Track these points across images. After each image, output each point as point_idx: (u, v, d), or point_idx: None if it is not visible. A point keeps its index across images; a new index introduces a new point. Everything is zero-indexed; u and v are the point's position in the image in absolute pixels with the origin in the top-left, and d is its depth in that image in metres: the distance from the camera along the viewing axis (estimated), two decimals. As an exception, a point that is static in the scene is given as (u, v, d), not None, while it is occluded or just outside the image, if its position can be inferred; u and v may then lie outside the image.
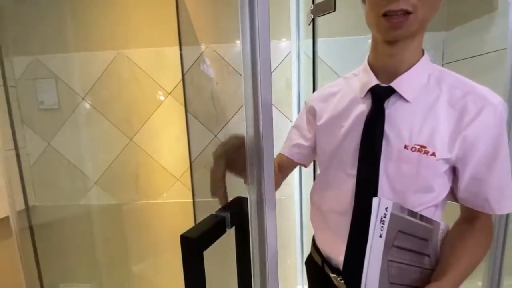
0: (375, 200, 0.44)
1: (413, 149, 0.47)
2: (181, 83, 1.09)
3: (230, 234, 0.40)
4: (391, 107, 0.50)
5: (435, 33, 1.06)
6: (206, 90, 1.10)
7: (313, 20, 0.93)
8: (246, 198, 0.36)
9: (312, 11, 0.93)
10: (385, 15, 0.44)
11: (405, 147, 0.47)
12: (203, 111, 1.11)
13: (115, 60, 1.08)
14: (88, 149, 1.12)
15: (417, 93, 0.49)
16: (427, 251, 0.49)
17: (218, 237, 0.33)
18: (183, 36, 1.08)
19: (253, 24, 0.24)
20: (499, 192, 0.47)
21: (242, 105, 1.12)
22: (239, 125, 1.13)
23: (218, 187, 0.46)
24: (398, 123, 0.49)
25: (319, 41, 1.04)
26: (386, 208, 0.44)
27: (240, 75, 1.21)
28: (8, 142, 0.98)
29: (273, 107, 1.12)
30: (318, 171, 1.07)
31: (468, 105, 0.45)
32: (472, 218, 0.50)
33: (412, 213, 0.47)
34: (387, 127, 0.49)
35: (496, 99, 0.46)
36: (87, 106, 1.10)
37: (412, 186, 0.48)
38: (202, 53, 1.09)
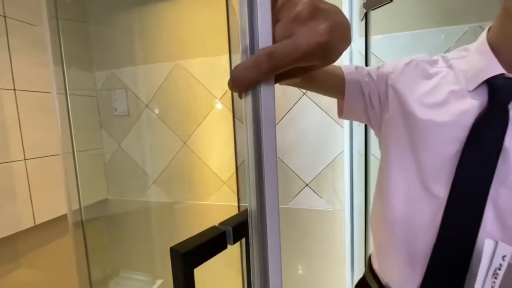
0: (488, 244, 0.32)
1: None
2: (229, 90, 1.12)
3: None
4: None
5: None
6: (253, 96, 1.11)
7: (366, 14, 0.84)
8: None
9: (365, 5, 0.84)
10: None
11: None
12: (250, 117, 1.12)
13: (173, 70, 1.18)
14: (149, 151, 1.25)
15: None
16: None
17: (216, 253, 0.30)
18: (233, 44, 1.11)
19: (252, 27, 0.22)
20: None
21: (288, 111, 1.07)
22: (285, 130, 1.10)
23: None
24: None
25: (375, 38, 0.94)
26: (504, 257, 0.32)
27: None
28: (67, 145, 1.13)
29: (323, 113, 1.06)
30: (371, 178, 0.96)
31: None
32: None
33: None
34: (508, 139, 0.35)
35: None
36: (150, 112, 1.23)
37: None
38: (250, 59, 1.10)
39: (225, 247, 0.31)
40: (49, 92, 1.08)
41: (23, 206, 1.01)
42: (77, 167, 1.11)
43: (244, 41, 0.22)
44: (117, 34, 1.21)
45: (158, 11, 1.17)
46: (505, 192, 0.35)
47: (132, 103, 1.24)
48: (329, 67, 0.49)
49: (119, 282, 1.24)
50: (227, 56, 1.11)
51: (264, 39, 0.22)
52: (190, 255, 0.26)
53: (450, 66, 0.43)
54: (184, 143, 1.20)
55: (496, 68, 0.36)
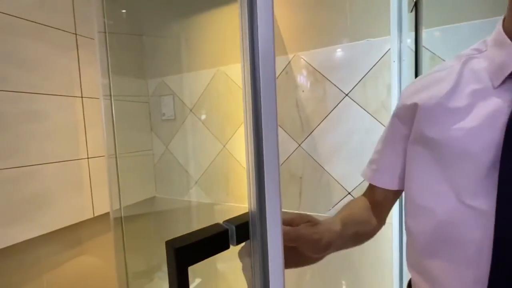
0: None
1: None
2: (268, 93, 1.12)
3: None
4: None
5: None
6: (291, 99, 1.09)
7: (416, 5, 0.76)
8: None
9: (415, -5, 0.76)
10: None
11: None
12: (287, 120, 1.10)
13: (215, 76, 1.23)
14: (192, 153, 1.31)
15: None
16: None
17: (216, 252, 0.27)
18: (272, 48, 1.11)
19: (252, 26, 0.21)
20: None
21: (328, 113, 1.03)
22: (325, 134, 1.05)
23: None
24: None
25: (428, 32, 0.84)
26: None
27: (329, 80, 1.12)
28: (110, 147, 1.24)
29: (368, 115, 0.98)
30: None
31: None
32: None
33: None
34: None
35: None
36: (193, 116, 1.29)
37: None
38: (289, 62, 1.08)
39: (227, 247, 0.28)
40: (109, 99, 1.22)
41: (86, 199, 1.15)
42: (125, 167, 1.23)
43: (245, 44, 0.22)
44: (166, 45, 1.31)
45: (202, 21, 1.24)
46: None
47: (178, 108, 1.33)
48: (370, 198, 0.55)
49: (162, 276, 1.31)
50: (266, 59, 1.11)
51: (264, 41, 0.22)
52: (183, 251, 0.24)
53: (465, 63, 0.38)
54: (224, 146, 1.23)
55: None
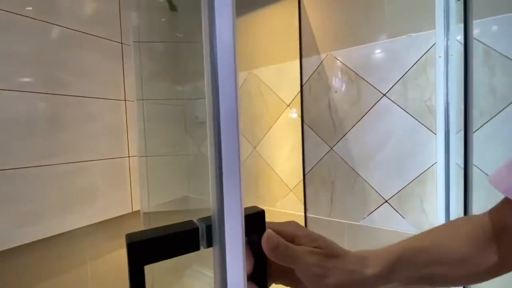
0: None
1: None
2: (299, 95, 1.09)
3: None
4: None
5: None
6: (324, 100, 1.05)
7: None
8: (262, 211, 0.27)
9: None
10: None
11: None
12: (319, 122, 1.06)
13: (247, 79, 1.24)
14: (224, 155, 1.34)
15: None
16: None
17: (183, 252, 0.22)
18: (304, 49, 1.08)
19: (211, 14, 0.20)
20: None
21: (364, 115, 0.98)
22: (360, 137, 0.98)
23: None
24: None
25: (480, 23, 0.74)
26: None
27: (364, 80, 1.08)
28: (142, 149, 1.32)
29: (410, 117, 0.90)
30: (473, 197, 0.74)
31: None
32: None
33: None
34: None
35: None
36: (225, 119, 1.32)
37: None
38: (321, 62, 1.05)
39: (196, 248, 0.24)
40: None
41: (126, 195, 1.24)
42: (159, 167, 1.29)
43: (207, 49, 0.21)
44: (200, 50, 1.37)
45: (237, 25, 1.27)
46: None
47: (211, 110, 1.37)
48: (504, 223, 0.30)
49: (191, 274, 1.35)
50: (298, 61, 1.09)
51: (225, 45, 0.20)
52: (138, 248, 0.21)
53: None
54: (254, 148, 1.23)
55: None
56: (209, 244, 0.23)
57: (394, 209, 0.94)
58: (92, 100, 1.14)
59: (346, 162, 1.02)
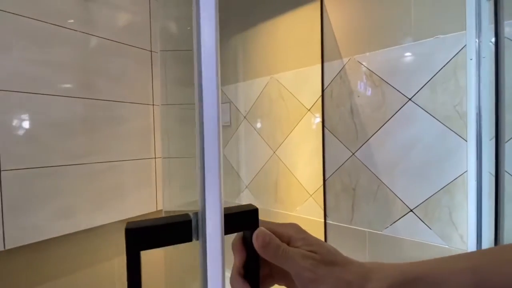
0: None
1: None
2: (320, 99, 1.08)
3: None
4: None
5: None
6: (346, 104, 1.03)
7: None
8: (255, 209, 0.28)
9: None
10: None
11: None
12: (341, 127, 1.05)
13: (268, 84, 1.26)
14: (244, 158, 1.36)
15: None
16: None
17: (176, 242, 0.24)
18: (326, 53, 1.08)
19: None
20: None
21: (388, 120, 0.96)
22: (383, 143, 0.95)
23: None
24: None
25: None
26: None
27: (389, 84, 1.06)
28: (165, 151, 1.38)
29: (437, 122, 0.86)
30: (505, 208, 0.68)
31: None
32: None
33: None
34: None
35: None
36: (247, 123, 1.34)
37: None
38: (344, 65, 1.03)
39: (189, 240, 0.25)
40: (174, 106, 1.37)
41: (152, 194, 1.31)
42: (184, 168, 1.34)
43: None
44: (225, 57, 1.41)
45: (258, 32, 1.29)
46: None
47: (233, 115, 1.40)
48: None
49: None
50: (319, 65, 1.08)
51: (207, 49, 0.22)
52: (135, 234, 0.23)
53: None
54: (274, 152, 1.24)
55: None
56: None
57: (420, 219, 0.89)
58: (123, 104, 1.22)
59: (368, 169, 0.99)
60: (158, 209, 1.31)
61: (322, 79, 1.08)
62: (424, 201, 0.88)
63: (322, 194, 1.08)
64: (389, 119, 0.94)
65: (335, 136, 1.06)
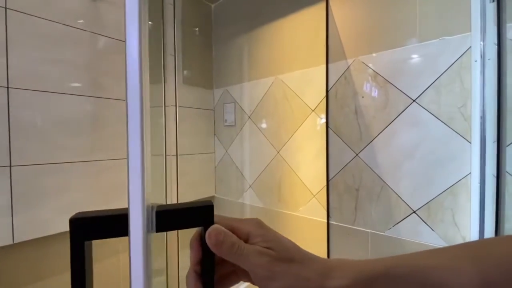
0: None
1: None
2: (324, 100, 1.09)
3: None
4: None
5: None
6: (350, 105, 1.03)
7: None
8: (210, 205, 0.26)
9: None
10: None
11: None
12: (345, 128, 1.05)
13: (273, 84, 1.27)
14: (248, 158, 1.37)
15: None
16: None
17: (120, 235, 0.23)
18: (331, 54, 1.08)
19: None
20: None
21: (392, 121, 0.96)
22: (387, 144, 0.95)
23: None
24: None
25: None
26: None
27: (393, 85, 1.07)
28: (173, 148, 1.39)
29: (441, 124, 0.86)
30: (506, 209, 0.68)
31: None
32: None
33: None
34: None
35: None
36: (251, 123, 1.35)
37: None
38: (348, 67, 1.04)
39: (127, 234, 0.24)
40: (184, 106, 1.39)
41: (161, 191, 1.32)
42: (189, 167, 1.36)
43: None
44: (231, 57, 1.43)
45: (264, 33, 1.30)
46: None
47: (238, 115, 1.41)
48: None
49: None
50: (324, 65, 1.09)
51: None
52: (80, 224, 0.23)
53: None
54: (278, 152, 1.25)
55: None
56: (159, 229, 0.24)
57: (423, 220, 0.89)
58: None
59: (372, 170, 0.99)
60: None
61: (326, 79, 1.08)
62: (427, 202, 0.88)
63: (326, 195, 1.09)
64: (393, 120, 0.94)
65: (339, 137, 1.07)
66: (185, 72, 1.40)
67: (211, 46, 1.52)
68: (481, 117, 0.79)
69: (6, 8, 0.92)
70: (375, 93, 0.98)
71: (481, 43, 0.78)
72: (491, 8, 0.74)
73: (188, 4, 1.41)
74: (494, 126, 0.75)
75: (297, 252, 0.25)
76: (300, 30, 1.17)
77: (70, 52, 1.06)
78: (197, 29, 1.45)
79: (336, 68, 1.07)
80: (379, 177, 0.97)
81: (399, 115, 0.93)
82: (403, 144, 0.92)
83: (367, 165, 1.00)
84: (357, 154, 1.03)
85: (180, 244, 1.30)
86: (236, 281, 0.27)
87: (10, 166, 0.92)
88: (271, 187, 1.27)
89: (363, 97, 1.01)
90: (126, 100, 0.22)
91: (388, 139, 0.95)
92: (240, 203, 1.38)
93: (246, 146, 1.38)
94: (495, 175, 0.73)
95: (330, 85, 1.09)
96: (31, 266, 1.00)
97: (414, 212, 0.90)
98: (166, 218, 0.24)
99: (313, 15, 1.12)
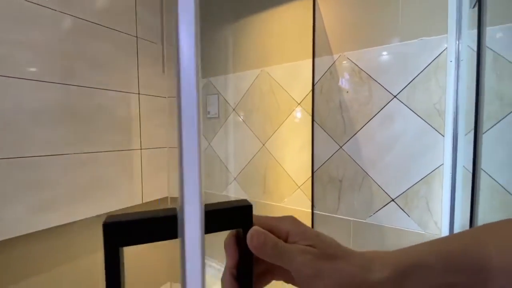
0: None
1: None
2: (310, 94, 1.12)
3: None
4: None
5: None
6: (335, 99, 1.07)
7: (480, 0, 0.70)
8: (249, 205, 0.24)
9: (479, -10, 0.70)
10: None
11: None
12: (330, 121, 1.09)
13: (258, 77, 1.26)
14: (233, 150, 1.36)
15: None
16: None
17: (159, 239, 0.22)
18: (317, 49, 1.11)
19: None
20: None
21: (374, 116, 1.00)
22: (369, 137, 1.01)
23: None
24: None
25: (491, 30, 0.77)
26: None
27: (376, 81, 1.11)
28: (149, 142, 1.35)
29: (419, 119, 0.92)
30: (480, 202, 0.77)
31: None
32: None
33: None
34: None
35: None
36: (236, 115, 1.34)
37: None
38: (334, 62, 1.07)
39: (175, 236, 0.23)
40: (163, 97, 1.33)
41: (136, 186, 1.27)
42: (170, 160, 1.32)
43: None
44: (215, 47, 1.39)
45: (250, 24, 1.29)
46: None
47: (222, 107, 1.39)
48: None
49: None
50: (311, 60, 1.11)
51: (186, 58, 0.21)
52: (114, 229, 0.21)
53: None
54: (263, 144, 1.26)
55: None
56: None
57: (400, 208, 0.96)
58: (105, 92, 1.16)
59: (355, 161, 1.04)
60: (145, 201, 1.28)
61: (313, 74, 1.11)
62: (404, 191, 0.96)
63: (311, 186, 1.13)
64: (376, 114, 1.00)
65: (324, 130, 1.11)
66: (166, 60, 1.34)
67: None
68: (454, 113, 0.87)
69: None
70: (359, 88, 1.03)
71: (457, 44, 0.85)
72: (467, 13, 0.81)
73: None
74: (466, 121, 0.83)
75: (338, 248, 0.25)
76: (287, 23, 1.18)
77: (31, 32, 0.95)
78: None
79: (322, 63, 1.10)
80: (362, 168, 1.03)
81: (381, 110, 0.99)
82: (384, 137, 0.99)
83: (350, 157, 1.05)
84: (341, 147, 1.07)
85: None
86: (271, 280, 0.27)
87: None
88: (256, 179, 1.28)
89: (347, 92, 1.05)
90: (178, 96, 0.21)
91: (370, 132, 1.01)
92: (223, 196, 1.38)
93: (231, 138, 1.37)
94: (466, 166, 0.82)
95: (316, 80, 1.11)
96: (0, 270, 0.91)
97: (393, 200, 0.98)
98: (207, 220, 0.22)
99: (300, 9, 1.13)
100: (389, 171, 0.98)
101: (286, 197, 1.20)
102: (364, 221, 1.03)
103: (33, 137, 0.95)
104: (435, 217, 0.91)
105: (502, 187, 0.77)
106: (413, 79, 0.93)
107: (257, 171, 1.28)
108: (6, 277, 0.92)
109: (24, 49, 0.93)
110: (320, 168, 1.12)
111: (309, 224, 1.14)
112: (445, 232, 0.89)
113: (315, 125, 1.12)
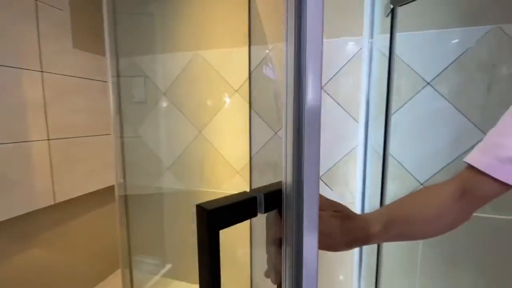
0: None
1: None
2: (247, 82, 1.14)
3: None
4: None
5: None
6: (270, 89, 1.13)
7: (393, 10, 0.85)
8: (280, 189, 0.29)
9: (392, 0, 0.85)
10: None
11: None
12: (266, 109, 1.14)
13: (191, 60, 1.20)
14: (165, 139, 1.28)
15: None
16: None
17: (245, 218, 0.26)
18: (253, 37, 1.13)
19: (300, 20, 0.23)
20: None
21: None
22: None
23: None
24: None
25: (398, 36, 0.95)
26: None
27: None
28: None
29: (340, 108, 1.07)
30: (388, 179, 0.97)
31: None
32: None
33: None
34: None
35: None
36: (167, 101, 1.25)
37: None
38: (268, 52, 1.11)
39: (255, 215, 0.28)
40: (75, 76, 1.11)
41: (44, 185, 1.05)
42: (87, 151, 1.14)
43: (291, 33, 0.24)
44: (140, 22, 1.23)
45: (181, 1, 1.19)
46: None
47: (150, 91, 1.27)
48: (466, 186, 0.39)
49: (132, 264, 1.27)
50: (247, 48, 1.13)
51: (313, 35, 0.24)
52: (216, 214, 0.24)
53: None
54: (200, 132, 1.23)
55: None
56: (267, 210, 0.28)
57: (325, 183, 1.12)
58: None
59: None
60: (58, 201, 1.07)
61: (249, 61, 1.13)
62: (329, 169, 1.11)
63: (248, 170, 1.17)
64: (306, 103, 1.10)
65: (260, 117, 1.16)
66: (76, 33, 1.12)
67: (117, 9, 1.26)
68: (366, 103, 1.05)
69: None
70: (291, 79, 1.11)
71: (370, 42, 1.01)
72: (379, 19, 0.97)
73: None
74: (376, 109, 1.02)
75: (351, 211, 0.37)
76: (223, 7, 1.14)
77: None
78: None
79: (258, 52, 1.13)
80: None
81: (310, 99, 1.10)
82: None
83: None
84: (276, 133, 1.15)
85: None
86: None
87: None
88: (192, 168, 1.25)
89: (281, 81, 1.12)
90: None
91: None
92: (156, 187, 1.29)
93: (162, 125, 1.28)
94: (374, 147, 1.01)
95: (252, 67, 1.14)
96: None
97: (320, 178, 1.12)
98: (266, 201, 0.28)
99: (236, -6, 1.12)
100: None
101: (225, 182, 1.22)
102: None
103: None
104: (351, 189, 1.10)
105: (399, 162, 0.99)
106: (336, 73, 1.06)
107: (194, 159, 1.24)
108: None
109: None
110: (257, 153, 1.18)
111: (247, 206, 1.20)
112: (358, 201, 1.10)
113: (252, 112, 1.16)
